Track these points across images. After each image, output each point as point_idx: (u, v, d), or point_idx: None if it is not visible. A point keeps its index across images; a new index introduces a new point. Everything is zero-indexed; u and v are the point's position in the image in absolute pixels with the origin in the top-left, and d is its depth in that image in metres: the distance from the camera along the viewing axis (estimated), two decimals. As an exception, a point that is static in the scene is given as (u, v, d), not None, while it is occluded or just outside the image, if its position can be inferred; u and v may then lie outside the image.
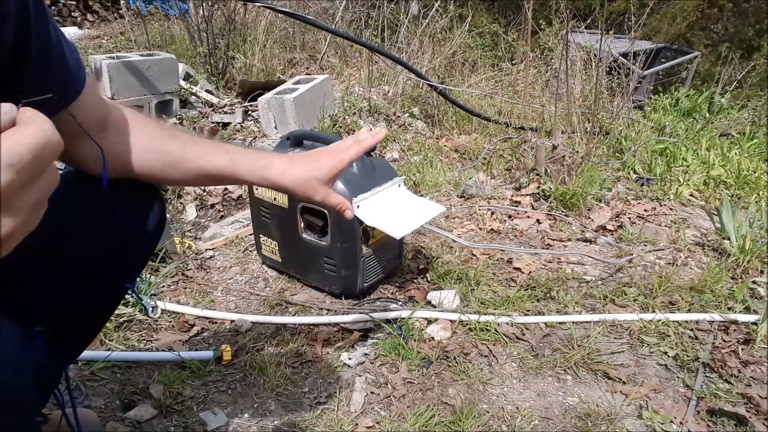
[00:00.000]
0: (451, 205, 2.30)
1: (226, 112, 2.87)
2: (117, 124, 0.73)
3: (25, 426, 0.61)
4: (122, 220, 0.79)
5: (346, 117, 3.00)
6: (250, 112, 2.92)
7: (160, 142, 0.74)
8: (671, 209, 2.36)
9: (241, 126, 2.81)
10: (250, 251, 1.91)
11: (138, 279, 1.60)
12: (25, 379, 0.57)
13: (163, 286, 1.66)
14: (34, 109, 0.37)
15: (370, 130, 0.88)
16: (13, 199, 0.34)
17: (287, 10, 3.14)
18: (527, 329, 1.50)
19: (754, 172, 2.74)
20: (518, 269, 1.80)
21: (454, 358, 1.37)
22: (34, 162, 0.34)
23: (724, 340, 1.46)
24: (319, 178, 0.78)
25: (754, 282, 1.74)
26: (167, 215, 1.85)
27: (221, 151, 0.76)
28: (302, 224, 1.57)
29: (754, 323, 1.49)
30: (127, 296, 1.50)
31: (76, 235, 0.72)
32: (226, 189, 2.45)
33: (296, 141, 1.67)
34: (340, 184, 1.46)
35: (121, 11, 4.55)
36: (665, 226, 2.19)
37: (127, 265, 0.84)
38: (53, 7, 5.63)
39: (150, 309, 1.50)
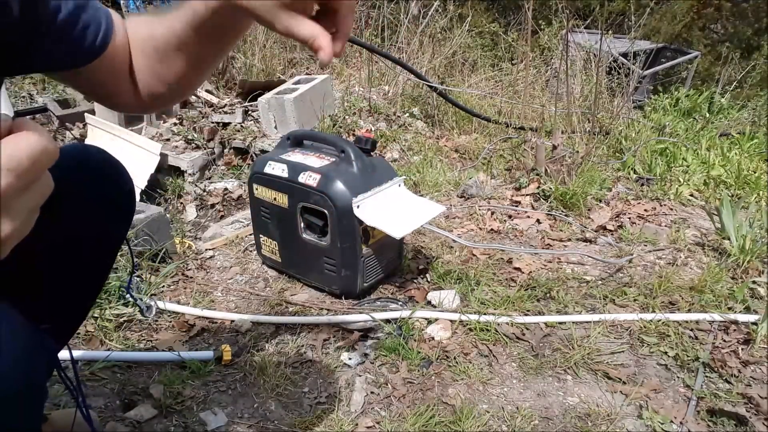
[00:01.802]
0: (451, 205, 2.30)
1: (226, 112, 2.87)
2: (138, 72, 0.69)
3: (37, 420, 0.61)
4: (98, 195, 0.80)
5: (346, 117, 3.00)
6: (250, 112, 2.92)
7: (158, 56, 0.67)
8: (671, 209, 2.36)
9: (241, 126, 2.81)
10: (250, 251, 1.91)
11: (137, 279, 1.60)
12: (37, 374, 0.58)
13: (163, 286, 1.66)
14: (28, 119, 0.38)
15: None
16: (11, 203, 0.35)
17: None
18: (527, 329, 1.50)
19: (754, 172, 2.74)
20: (518, 269, 1.80)
21: (454, 358, 1.37)
22: (32, 168, 0.36)
23: (724, 340, 1.46)
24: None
25: (754, 282, 1.74)
26: (168, 215, 1.85)
27: (181, 16, 0.63)
28: (302, 224, 1.57)
29: (754, 323, 1.49)
30: (130, 298, 1.50)
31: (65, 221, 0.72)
32: (226, 189, 2.46)
33: (296, 141, 1.67)
34: (340, 184, 1.46)
35: (121, 11, 4.55)
36: (665, 226, 2.19)
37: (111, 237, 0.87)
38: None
39: (145, 309, 1.49)
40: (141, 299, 1.50)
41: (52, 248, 0.73)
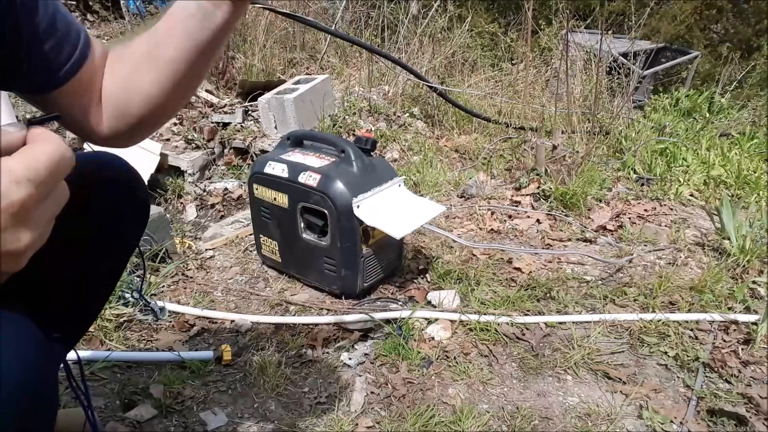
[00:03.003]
0: (451, 205, 2.30)
1: (226, 112, 2.87)
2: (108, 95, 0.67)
3: (51, 425, 0.61)
4: (113, 199, 0.79)
5: (346, 117, 3.00)
6: (250, 112, 2.92)
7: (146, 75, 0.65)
8: (671, 209, 2.36)
9: (241, 126, 2.81)
10: (250, 251, 1.91)
11: (138, 279, 1.60)
12: (49, 385, 0.57)
13: (163, 286, 1.66)
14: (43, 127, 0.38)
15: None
16: (30, 214, 0.35)
17: (286, 11, 3.14)
18: (527, 329, 1.50)
19: (754, 172, 2.74)
20: (518, 269, 1.80)
21: (454, 358, 1.37)
22: (49, 178, 0.36)
23: (724, 340, 1.46)
24: None
25: (754, 282, 1.74)
26: (168, 215, 1.85)
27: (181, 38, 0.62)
28: (302, 224, 1.57)
29: (754, 323, 1.49)
30: (130, 298, 1.51)
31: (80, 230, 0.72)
32: (226, 189, 2.46)
33: (296, 141, 1.67)
34: (340, 184, 1.46)
35: (121, 11, 4.55)
36: (665, 226, 2.19)
37: (126, 241, 0.86)
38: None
39: (158, 311, 1.50)
40: (153, 302, 1.51)
41: (65, 256, 0.73)
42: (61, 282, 0.76)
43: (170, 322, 1.51)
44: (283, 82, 3.08)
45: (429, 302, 1.61)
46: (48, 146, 0.36)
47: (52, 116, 0.46)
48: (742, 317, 1.53)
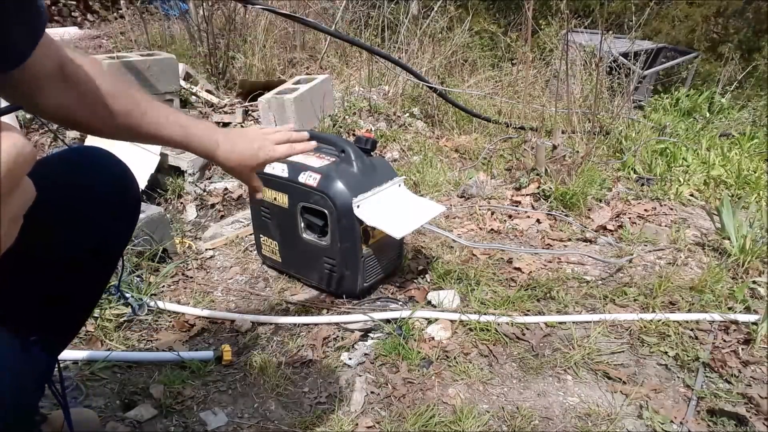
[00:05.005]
0: (451, 205, 2.30)
1: (226, 112, 2.87)
2: (76, 77, 0.72)
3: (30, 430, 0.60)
4: (99, 195, 0.78)
5: (347, 117, 3.00)
6: (250, 112, 2.92)
7: (123, 104, 0.78)
8: (671, 209, 2.36)
9: (242, 126, 2.81)
10: (250, 251, 1.91)
11: (137, 279, 1.60)
12: (27, 389, 0.56)
13: (163, 286, 1.66)
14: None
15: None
16: None
17: (286, 12, 3.14)
18: (527, 329, 1.50)
19: (755, 172, 2.74)
20: (518, 269, 1.80)
21: (454, 358, 1.37)
22: (9, 176, 0.34)
23: (724, 340, 1.46)
24: (251, 167, 0.96)
25: (754, 282, 1.74)
26: (168, 215, 1.85)
27: (176, 124, 0.84)
28: (302, 224, 1.57)
29: (754, 323, 1.49)
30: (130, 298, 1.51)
31: (58, 226, 0.71)
32: (226, 189, 2.45)
33: (296, 141, 1.67)
34: (340, 184, 1.46)
35: (121, 11, 4.55)
36: (665, 226, 2.19)
37: (114, 241, 0.85)
38: (53, 7, 5.63)
39: (137, 307, 1.49)
40: (133, 296, 1.50)
41: (44, 257, 0.71)
42: (40, 283, 0.74)
43: (170, 322, 1.51)
44: (283, 82, 3.08)
45: (429, 302, 1.61)
46: (4, 143, 0.34)
47: (12, 107, 0.43)
48: (742, 317, 1.53)
